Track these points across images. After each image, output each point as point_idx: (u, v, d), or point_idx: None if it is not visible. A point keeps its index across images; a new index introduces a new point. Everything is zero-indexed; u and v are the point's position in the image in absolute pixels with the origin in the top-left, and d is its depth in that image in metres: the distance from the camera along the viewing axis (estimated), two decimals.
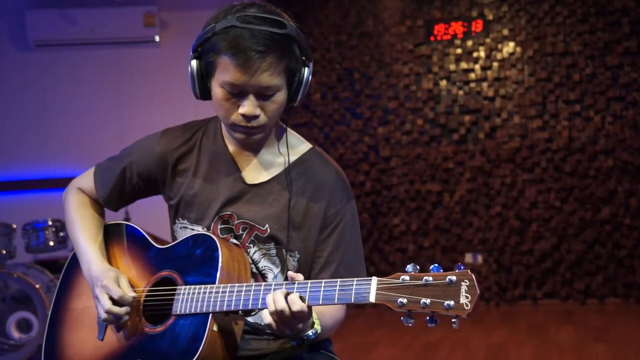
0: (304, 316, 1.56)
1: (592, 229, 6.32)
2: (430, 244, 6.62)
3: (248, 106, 1.68)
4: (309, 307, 1.56)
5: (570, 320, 5.67)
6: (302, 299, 1.55)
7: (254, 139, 1.76)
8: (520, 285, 6.44)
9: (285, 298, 1.55)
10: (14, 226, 5.17)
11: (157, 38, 6.66)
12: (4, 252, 5.04)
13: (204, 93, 1.76)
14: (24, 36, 6.64)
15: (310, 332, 1.62)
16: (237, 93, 1.68)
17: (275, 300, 1.55)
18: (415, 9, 6.67)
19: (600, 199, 6.31)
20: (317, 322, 1.65)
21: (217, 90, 1.71)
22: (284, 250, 1.80)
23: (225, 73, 1.66)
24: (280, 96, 1.71)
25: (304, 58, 1.72)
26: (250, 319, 1.82)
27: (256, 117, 1.70)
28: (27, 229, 5.22)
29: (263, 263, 1.82)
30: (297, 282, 1.58)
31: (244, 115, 1.70)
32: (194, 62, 1.72)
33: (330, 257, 1.80)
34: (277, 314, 1.55)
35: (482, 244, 6.50)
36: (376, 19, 6.75)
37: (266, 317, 1.58)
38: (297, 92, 1.73)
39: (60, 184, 6.54)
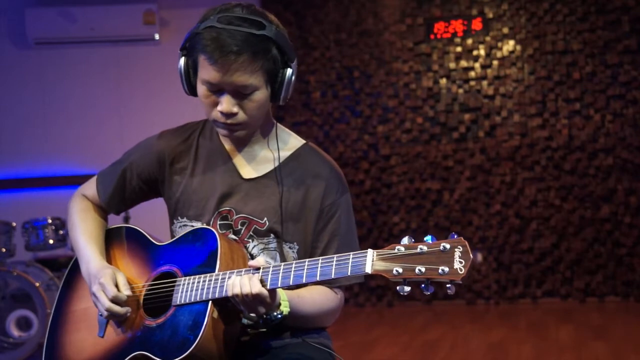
0: (263, 299, 1.61)
1: (591, 227, 6.32)
2: None
3: (225, 103, 1.74)
4: (271, 291, 1.63)
5: (569, 318, 5.67)
6: (262, 282, 1.62)
7: (236, 136, 1.81)
8: (520, 284, 6.44)
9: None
10: (14, 224, 5.17)
11: (156, 36, 6.67)
12: (4, 250, 5.04)
13: (192, 90, 1.82)
14: (24, 34, 6.65)
15: (275, 313, 1.67)
16: (215, 91, 1.74)
17: (242, 284, 1.62)
18: (415, 7, 6.67)
19: (600, 197, 6.31)
20: (284, 303, 1.69)
21: (200, 88, 1.78)
22: (282, 242, 1.83)
23: (204, 71, 1.73)
24: (259, 95, 1.75)
25: (286, 59, 1.75)
26: None
27: (233, 114, 1.75)
28: (27, 227, 5.22)
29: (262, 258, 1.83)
30: (294, 262, 1.62)
31: (221, 113, 1.75)
32: (182, 60, 1.80)
33: (326, 248, 1.84)
34: (240, 297, 1.62)
35: (481, 242, 6.50)
36: (376, 17, 6.75)
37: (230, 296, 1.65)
38: (279, 92, 1.77)
39: (60, 182, 6.57)
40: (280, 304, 1.68)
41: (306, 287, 1.81)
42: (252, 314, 1.66)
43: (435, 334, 5.30)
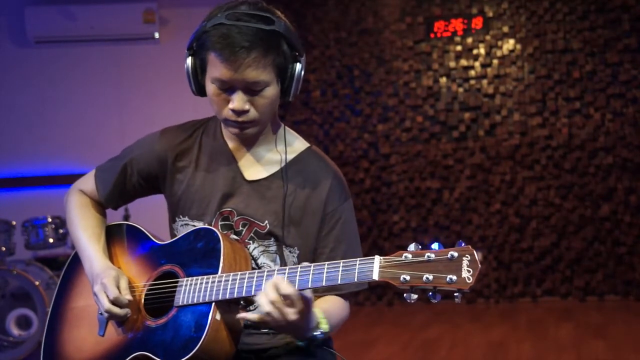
0: (294, 302, 1.56)
1: (591, 226, 6.32)
2: (429, 241, 6.60)
3: (237, 101, 1.72)
4: (307, 302, 1.57)
5: (569, 317, 5.67)
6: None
7: (247, 134, 1.79)
8: (520, 283, 6.44)
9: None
10: (14, 223, 5.16)
11: (156, 35, 6.66)
12: (4, 248, 5.04)
13: (200, 89, 1.80)
14: (24, 33, 6.64)
15: (317, 333, 1.65)
16: (226, 89, 1.72)
17: (267, 293, 1.57)
18: (415, 6, 6.66)
19: (600, 196, 6.31)
20: (323, 321, 1.67)
21: (209, 87, 1.75)
22: (283, 246, 1.82)
23: (214, 69, 1.71)
24: (270, 91, 1.74)
25: (295, 54, 1.75)
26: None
27: (245, 112, 1.73)
28: (27, 225, 5.22)
29: (262, 260, 1.83)
30: (299, 266, 1.60)
31: (233, 110, 1.73)
32: (189, 60, 1.77)
33: (332, 254, 1.83)
34: (272, 307, 1.57)
35: (481, 241, 6.50)
36: (376, 15, 6.74)
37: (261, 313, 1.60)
38: (289, 88, 1.76)
39: (60, 180, 6.56)
40: (319, 322, 1.66)
41: (324, 299, 1.80)
42: (290, 330, 1.62)
43: (435, 332, 5.30)
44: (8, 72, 6.79)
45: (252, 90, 1.71)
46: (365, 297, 6.68)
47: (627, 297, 6.25)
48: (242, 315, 1.63)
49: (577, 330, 5.17)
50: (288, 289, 1.55)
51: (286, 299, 1.56)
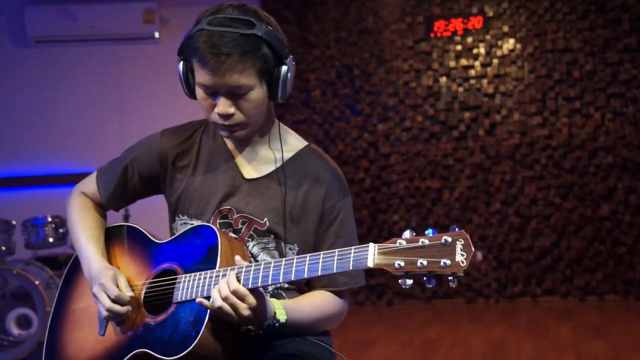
0: (244, 297, 1.61)
1: (591, 225, 6.32)
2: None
3: (221, 105, 1.74)
4: (258, 296, 1.63)
5: (569, 317, 5.67)
6: (238, 279, 1.63)
7: (237, 136, 1.81)
8: (520, 282, 6.44)
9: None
10: (14, 222, 5.16)
11: (156, 34, 6.67)
12: (4, 248, 5.04)
13: (193, 93, 1.82)
14: (24, 33, 6.65)
15: (272, 322, 1.69)
16: (211, 93, 1.75)
17: (220, 289, 1.63)
18: (415, 6, 6.67)
19: (600, 196, 6.31)
20: (280, 312, 1.70)
21: (197, 91, 1.78)
22: (282, 243, 1.84)
23: (198, 75, 1.74)
24: (254, 95, 1.74)
25: (279, 56, 1.74)
26: None
27: (230, 115, 1.75)
28: (27, 225, 5.22)
29: (262, 257, 1.85)
30: (295, 257, 1.63)
31: (219, 114, 1.75)
32: (180, 65, 1.80)
33: (330, 249, 1.82)
34: (224, 304, 1.63)
35: (481, 240, 6.50)
36: (376, 15, 6.74)
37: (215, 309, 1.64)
38: (275, 90, 1.76)
39: (60, 180, 6.57)
40: (275, 313, 1.69)
41: (305, 294, 1.84)
42: (245, 324, 1.67)
43: (435, 332, 5.30)
44: (8, 72, 6.80)
45: (235, 94, 1.73)
46: (365, 297, 6.68)
47: (627, 297, 6.25)
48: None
49: (577, 330, 5.17)
50: (235, 285, 1.61)
51: (236, 294, 1.61)
